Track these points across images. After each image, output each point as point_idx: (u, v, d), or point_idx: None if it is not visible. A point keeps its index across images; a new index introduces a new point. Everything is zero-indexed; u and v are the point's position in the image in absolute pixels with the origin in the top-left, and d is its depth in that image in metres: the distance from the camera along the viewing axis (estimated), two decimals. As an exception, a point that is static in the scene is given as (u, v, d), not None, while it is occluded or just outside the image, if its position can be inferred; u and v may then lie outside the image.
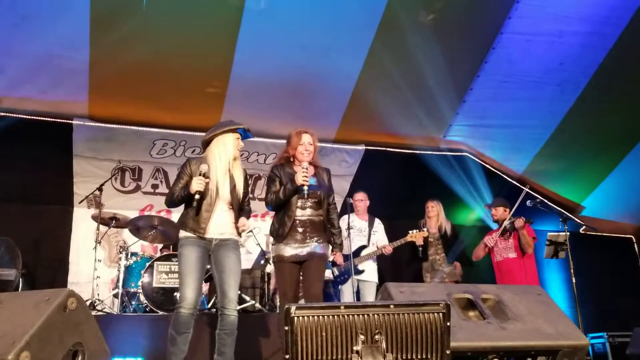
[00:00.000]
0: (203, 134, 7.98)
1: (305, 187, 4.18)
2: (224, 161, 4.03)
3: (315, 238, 4.28)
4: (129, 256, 6.26)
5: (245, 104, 7.38)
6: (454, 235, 6.80)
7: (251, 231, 7.16)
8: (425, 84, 7.26)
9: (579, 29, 6.69)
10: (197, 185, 3.86)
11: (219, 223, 4.02)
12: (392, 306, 2.18)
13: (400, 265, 7.74)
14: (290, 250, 4.23)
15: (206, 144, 4.13)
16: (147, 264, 6.04)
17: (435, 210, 6.81)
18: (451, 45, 6.83)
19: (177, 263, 5.14)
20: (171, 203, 4.07)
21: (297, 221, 4.26)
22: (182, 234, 4.00)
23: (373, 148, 8.39)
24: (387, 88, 7.22)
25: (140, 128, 7.56)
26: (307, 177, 4.20)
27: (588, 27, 6.68)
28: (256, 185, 8.32)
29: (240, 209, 4.15)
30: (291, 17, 6.36)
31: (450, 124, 8.08)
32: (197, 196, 3.88)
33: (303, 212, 4.30)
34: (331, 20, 6.41)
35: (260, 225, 7.95)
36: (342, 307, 2.16)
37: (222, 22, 6.36)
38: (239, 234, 4.13)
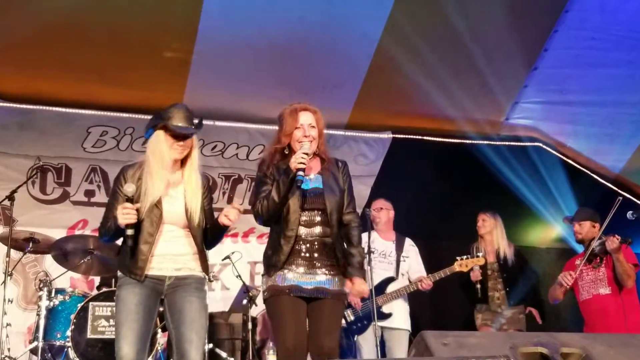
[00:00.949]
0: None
1: (302, 174, 4.05)
2: (159, 170, 4.01)
3: (327, 268, 4.18)
4: (52, 294, 6.23)
5: (219, 75, 7.40)
6: (520, 263, 6.80)
7: (228, 257, 7.14)
8: (479, 43, 7.27)
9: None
10: (123, 217, 3.84)
11: (170, 254, 4.04)
12: (430, 365, 2.15)
13: (443, 307, 7.75)
14: (290, 277, 4.18)
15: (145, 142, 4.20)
16: (80, 306, 6.03)
17: (488, 226, 6.84)
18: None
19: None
20: (103, 237, 4.12)
21: (300, 243, 4.20)
22: (119, 274, 4.07)
23: (403, 137, 8.38)
24: (423, 50, 7.21)
25: (68, 110, 7.55)
26: (305, 159, 4.07)
27: None
28: (235, 192, 8.32)
29: (205, 230, 4.16)
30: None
31: (515, 100, 8.08)
32: (128, 232, 3.88)
33: (309, 230, 4.18)
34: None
35: (242, 248, 7.94)
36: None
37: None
38: (206, 272, 4.15)
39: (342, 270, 4.22)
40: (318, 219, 4.20)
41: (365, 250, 5.82)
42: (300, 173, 4.03)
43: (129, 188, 3.92)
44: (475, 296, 6.65)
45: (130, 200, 3.90)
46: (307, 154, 4.08)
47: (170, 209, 4.04)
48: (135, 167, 4.10)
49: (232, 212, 4.06)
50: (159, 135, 4.04)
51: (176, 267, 4.04)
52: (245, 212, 8.08)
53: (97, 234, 6.87)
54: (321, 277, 4.16)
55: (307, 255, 4.16)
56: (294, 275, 4.15)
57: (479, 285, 6.55)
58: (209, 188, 4.29)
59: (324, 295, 4.13)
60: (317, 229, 4.19)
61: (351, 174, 4.47)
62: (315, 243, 4.18)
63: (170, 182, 4.07)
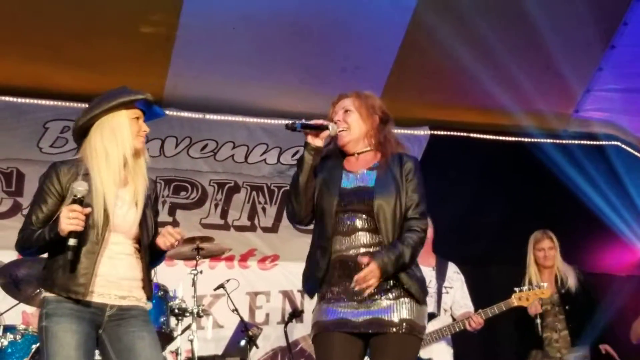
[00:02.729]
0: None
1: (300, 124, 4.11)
2: (115, 162, 4.01)
3: (384, 292, 4.04)
4: (0, 333, 6.21)
5: (210, 55, 7.44)
6: (588, 295, 6.78)
7: (222, 286, 7.13)
8: (543, 15, 7.26)
9: None
10: (67, 223, 3.77)
11: (118, 277, 4.00)
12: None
13: (496, 351, 7.72)
14: (334, 311, 4.13)
15: (81, 133, 4.10)
16: (34, 347, 5.97)
17: (552, 254, 6.80)
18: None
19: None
20: (27, 249, 4.01)
21: (341, 257, 4.16)
22: (49, 294, 3.94)
23: (444, 133, 8.42)
24: (471, 22, 7.20)
25: (19, 100, 7.59)
26: (320, 129, 4.13)
27: None
28: (231, 204, 8.37)
29: (151, 244, 4.16)
30: None
31: (587, 88, 8.09)
32: (71, 242, 3.79)
33: (352, 239, 4.19)
34: None
35: (239, 275, 7.93)
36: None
37: None
38: (149, 296, 4.11)
39: (409, 293, 4.05)
40: (363, 225, 4.13)
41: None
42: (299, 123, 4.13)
43: (80, 187, 3.84)
44: (534, 336, 6.61)
45: (78, 202, 3.83)
46: (323, 128, 4.13)
47: (119, 214, 4.01)
48: (70, 164, 4.04)
49: (170, 238, 4.09)
50: (116, 118, 4.04)
51: (121, 294, 3.99)
52: (242, 229, 8.23)
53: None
54: (377, 305, 4.04)
55: (352, 275, 4.01)
56: (340, 305, 4.09)
57: (539, 320, 6.51)
58: (157, 194, 4.31)
59: (384, 328, 4.00)
60: (365, 237, 4.11)
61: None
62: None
63: (119, 181, 4.04)
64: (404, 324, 3.96)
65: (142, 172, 4.15)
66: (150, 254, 4.17)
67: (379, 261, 3.90)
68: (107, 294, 3.96)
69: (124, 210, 4.02)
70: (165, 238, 4.08)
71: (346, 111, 4.23)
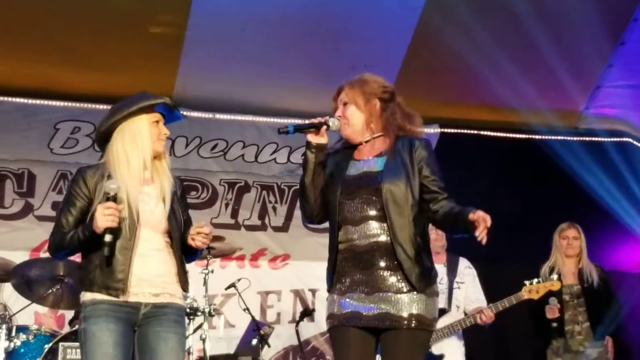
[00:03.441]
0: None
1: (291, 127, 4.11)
2: (137, 165, 4.09)
3: (394, 286, 4.02)
4: (13, 333, 6.19)
5: (219, 56, 7.46)
6: (606, 290, 6.79)
7: (233, 286, 7.15)
8: (551, 12, 7.29)
9: None
10: (104, 219, 3.86)
11: (148, 275, 4.06)
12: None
13: (508, 345, 7.74)
14: (345, 303, 4.10)
15: (104, 138, 4.17)
16: (47, 347, 6.01)
17: (576, 244, 6.82)
18: None
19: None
20: (61, 250, 4.10)
21: (351, 248, 4.13)
22: (87, 296, 4.01)
23: (454, 131, 8.43)
24: (479, 21, 7.20)
25: (31, 101, 7.61)
26: (318, 127, 4.09)
27: None
28: (241, 203, 8.38)
29: (184, 240, 4.21)
30: None
31: (597, 84, 8.09)
32: (107, 237, 3.89)
33: (362, 228, 4.15)
34: None
35: (250, 275, 7.92)
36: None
37: None
38: (184, 288, 4.18)
39: (420, 286, 3.92)
40: (372, 212, 4.04)
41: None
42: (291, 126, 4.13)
43: (112, 184, 3.94)
44: (554, 333, 6.65)
45: (112, 199, 3.92)
46: (326, 123, 4.12)
47: (147, 210, 4.08)
48: (95, 168, 4.13)
49: (200, 236, 4.13)
50: (137, 123, 4.11)
51: (154, 291, 4.05)
52: (253, 228, 8.25)
53: (67, 259, 6.96)
54: (387, 299, 3.94)
55: (361, 266, 4.01)
56: (352, 297, 4.02)
57: (555, 324, 6.52)
58: (183, 189, 4.35)
59: (394, 324, 3.91)
60: (373, 226, 4.04)
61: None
62: (371, 249, 3.99)
63: (143, 181, 4.13)
64: (413, 319, 3.85)
65: (165, 171, 4.22)
66: (185, 249, 4.23)
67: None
68: (140, 293, 4.02)
69: (151, 205, 4.10)
70: (196, 239, 4.13)
71: (344, 104, 4.18)
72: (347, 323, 3.98)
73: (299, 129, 4.12)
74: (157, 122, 4.17)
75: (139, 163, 4.08)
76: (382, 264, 3.93)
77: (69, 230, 4.01)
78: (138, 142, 4.09)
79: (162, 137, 4.17)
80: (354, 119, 4.15)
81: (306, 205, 4.23)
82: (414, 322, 3.86)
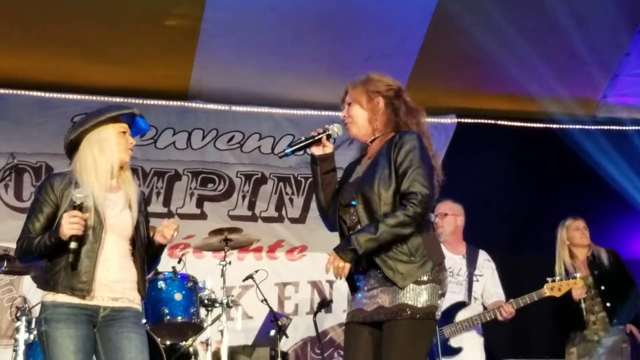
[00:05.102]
0: (160, 102, 8.04)
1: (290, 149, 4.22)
2: (103, 173, 4.20)
3: (382, 281, 4.07)
4: (32, 325, 6.26)
5: (235, 48, 7.48)
6: (623, 274, 6.81)
7: (251, 277, 7.19)
8: (567, 3, 7.26)
9: None
10: (69, 227, 3.98)
11: (109, 280, 4.17)
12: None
13: (528, 339, 7.75)
14: (355, 299, 4.22)
15: (72, 147, 4.30)
16: (65, 339, 6.08)
17: (587, 233, 6.84)
18: None
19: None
20: (28, 255, 4.19)
21: None
22: (49, 297, 4.13)
23: (472, 121, 8.45)
24: (497, 9, 7.20)
25: (47, 94, 7.68)
26: (321, 137, 4.20)
27: None
28: (258, 195, 8.41)
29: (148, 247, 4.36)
30: None
31: (615, 73, 8.07)
32: (72, 245, 4.01)
33: (353, 231, 4.22)
34: None
35: (268, 266, 7.95)
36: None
37: None
38: (142, 295, 4.30)
39: (404, 279, 3.99)
40: (355, 218, 4.15)
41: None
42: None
43: (79, 194, 4.06)
44: (576, 324, 6.67)
45: (78, 208, 4.04)
46: (326, 132, 4.21)
47: (113, 215, 4.20)
48: (62, 176, 4.26)
49: (169, 229, 4.28)
50: (104, 132, 4.24)
51: (113, 295, 4.17)
52: (270, 220, 8.27)
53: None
54: (381, 293, 4.05)
55: (361, 267, 4.12)
56: (360, 294, 4.17)
57: (583, 305, 6.54)
58: (144, 198, 4.49)
59: (388, 316, 4.01)
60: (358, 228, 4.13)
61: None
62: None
63: (109, 188, 4.25)
64: (407, 310, 3.95)
65: (130, 180, 4.36)
66: (149, 255, 4.38)
67: (340, 250, 3.97)
68: (100, 296, 4.13)
69: (116, 211, 4.22)
70: (163, 231, 4.28)
71: (349, 104, 4.26)
72: (353, 319, 4.15)
73: (298, 147, 4.21)
74: (124, 132, 4.30)
75: (106, 170, 4.21)
76: (371, 263, 4.04)
77: (36, 236, 4.12)
78: (106, 150, 4.22)
79: (129, 146, 4.29)
80: (358, 118, 4.23)
81: (323, 218, 4.39)
82: (404, 312, 3.95)
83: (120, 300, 4.17)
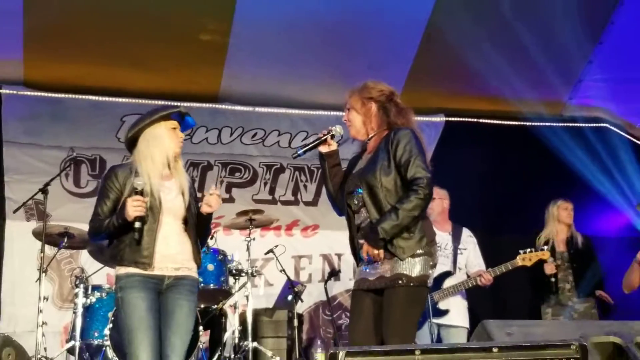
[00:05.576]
0: (195, 104, 8.01)
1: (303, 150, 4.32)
2: (159, 163, 4.28)
3: (387, 254, 4.09)
4: (89, 292, 6.32)
5: (258, 58, 7.46)
6: (589, 254, 6.80)
7: (272, 251, 7.21)
8: (539, 16, 7.23)
9: None
10: (133, 210, 4.07)
11: (169, 253, 4.25)
12: (495, 350, 2.16)
13: (505, 303, 7.74)
14: (361, 271, 4.27)
15: (131, 143, 4.37)
16: (117, 303, 6.10)
17: (565, 216, 6.84)
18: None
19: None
20: (99, 234, 4.29)
21: (358, 229, 4.28)
22: (120, 270, 4.21)
23: (457, 119, 8.40)
24: (480, 25, 7.18)
25: (102, 98, 7.70)
26: (326, 136, 4.29)
27: None
28: (277, 182, 8.40)
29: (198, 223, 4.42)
30: None
31: (579, 78, 8.03)
32: (136, 224, 4.11)
33: (359, 215, 4.24)
34: None
35: (285, 242, 7.96)
36: (417, 353, 2.15)
37: None
38: (198, 264, 4.36)
39: (402, 253, 4.06)
40: (358, 202, 4.21)
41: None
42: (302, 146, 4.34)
43: (139, 181, 4.16)
44: (547, 291, 6.68)
45: (139, 193, 4.13)
46: (330, 133, 4.29)
47: (168, 199, 4.28)
48: (124, 167, 4.36)
49: (212, 198, 4.36)
50: (157, 129, 4.32)
51: (175, 266, 4.27)
52: (287, 203, 8.29)
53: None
54: (383, 265, 4.10)
55: (362, 242, 4.17)
56: (365, 266, 4.21)
57: (553, 279, 6.57)
58: (195, 187, 4.59)
59: (388, 283, 4.06)
60: (363, 213, 4.20)
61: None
62: (367, 230, 4.13)
63: (164, 176, 4.34)
64: (404, 278, 4.02)
65: (181, 170, 4.43)
66: (199, 225, 4.42)
67: (371, 241, 4.02)
68: (164, 267, 4.23)
69: (172, 196, 4.30)
70: (209, 201, 4.36)
71: (348, 110, 4.33)
72: (359, 286, 4.21)
73: (308, 148, 4.31)
74: (175, 128, 4.36)
75: (161, 160, 4.29)
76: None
77: (104, 218, 4.21)
78: (160, 143, 4.30)
79: (179, 140, 4.36)
80: (355, 122, 4.33)
81: (332, 204, 4.47)
82: (401, 281, 4.02)
83: (181, 270, 4.26)
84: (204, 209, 4.38)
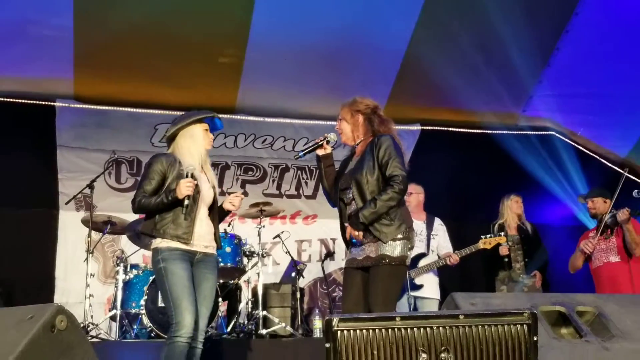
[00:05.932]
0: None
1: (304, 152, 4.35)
2: (196, 157, 4.28)
3: (368, 238, 4.16)
4: (128, 269, 6.33)
5: (267, 77, 7.46)
6: (536, 238, 6.81)
7: (278, 236, 7.21)
8: (498, 44, 7.22)
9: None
10: (186, 189, 4.06)
11: (203, 233, 4.24)
12: (462, 317, 2.17)
13: (469, 279, 7.73)
14: (350, 252, 4.31)
15: (171, 138, 4.37)
16: (151, 279, 6.09)
17: (516, 207, 6.83)
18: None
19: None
20: (145, 209, 4.21)
21: (347, 219, 4.30)
22: (162, 243, 4.13)
23: (431, 128, 8.37)
24: (448, 51, 7.20)
25: (138, 110, 7.72)
26: (321, 144, 4.35)
27: None
28: (283, 179, 8.39)
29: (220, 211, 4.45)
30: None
31: (531, 95, 8.02)
32: (186, 201, 4.09)
33: (350, 207, 4.28)
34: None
35: (290, 228, 8.00)
36: (397, 319, 2.16)
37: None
38: (218, 246, 4.37)
39: (384, 237, 4.09)
40: (350, 196, 4.23)
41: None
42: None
43: (191, 166, 4.16)
44: (502, 268, 6.65)
45: (191, 176, 4.12)
46: (326, 139, 4.36)
47: (204, 189, 4.27)
48: (169, 156, 4.28)
49: (237, 199, 4.39)
50: (194, 129, 4.33)
51: (205, 244, 4.26)
52: (291, 196, 8.29)
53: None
54: (368, 247, 4.14)
55: (347, 225, 4.23)
56: (354, 248, 4.24)
57: (506, 259, 6.57)
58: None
59: (373, 262, 4.10)
60: (353, 205, 4.22)
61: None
62: (354, 216, 4.15)
63: (199, 169, 4.32)
64: (386, 258, 4.06)
65: (209, 167, 4.44)
66: (219, 219, 4.45)
67: (353, 224, 4.09)
68: (198, 244, 4.21)
69: (205, 187, 4.29)
70: (228, 203, 4.40)
71: (340, 120, 4.38)
72: (349, 265, 4.24)
73: (307, 151, 4.35)
74: (206, 130, 4.37)
75: (198, 155, 4.28)
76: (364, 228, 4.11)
77: (149, 196, 4.15)
78: (196, 141, 4.30)
79: (210, 140, 4.38)
80: (345, 129, 4.39)
81: (326, 195, 4.50)
82: (383, 261, 4.06)
83: (208, 248, 4.26)
84: (227, 206, 4.39)
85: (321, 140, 4.35)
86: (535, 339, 2.18)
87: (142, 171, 4.42)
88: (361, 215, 4.04)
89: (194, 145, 4.29)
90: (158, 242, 4.15)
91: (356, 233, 4.11)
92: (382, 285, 4.05)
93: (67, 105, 7.48)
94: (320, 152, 4.37)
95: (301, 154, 4.36)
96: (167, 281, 4.06)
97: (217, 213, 4.40)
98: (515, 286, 6.58)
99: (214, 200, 4.35)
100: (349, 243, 4.28)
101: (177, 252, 4.11)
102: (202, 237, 4.23)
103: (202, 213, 4.25)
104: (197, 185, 4.15)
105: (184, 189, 4.04)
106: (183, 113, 4.47)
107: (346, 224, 4.22)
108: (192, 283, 4.11)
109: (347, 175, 4.28)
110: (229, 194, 6.51)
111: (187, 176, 4.10)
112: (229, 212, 4.48)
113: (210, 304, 4.25)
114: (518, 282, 6.58)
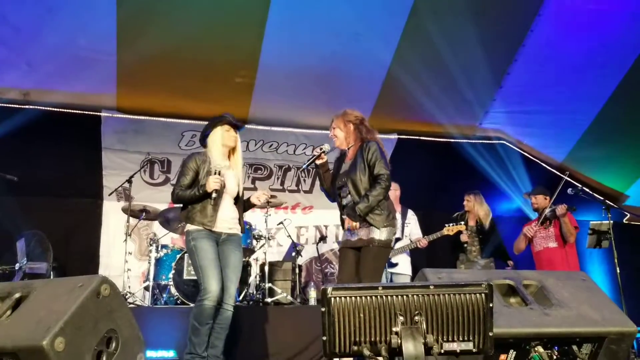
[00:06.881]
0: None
1: (318, 160, 4.33)
2: (220, 152, 4.27)
3: (361, 224, 4.19)
4: (159, 249, 6.33)
5: (274, 94, 7.45)
6: (491, 228, 6.78)
7: (282, 223, 7.20)
8: (461, 70, 7.22)
9: (621, 9, 6.54)
10: (214, 184, 4.06)
11: (226, 218, 4.23)
12: (432, 287, 2.17)
13: (435, 259, 7.73)
14: (345, 234, 4.34)
15: (203, 138, 4.38)
16: (178, 257, 6.11)
17: (471, 203, 6.82)
18: (487, 29, 6.76)
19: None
20: (182, 200, 4.22)
21: (344, 209, 4.35)
22: (192, 227, 4.16)
23: (406, 137, 8.37)
24: (421, 75, 7.18)
25: (168, 120, 7.70)
26: (318, 153, 4.33)
27: (631, 7, 6.52)
28: (286, 177, 8.38)
29: (245, 202, 4.43)
30: (320, 3, 6.38)
31: (486, 110, 8.02)
32: (214, 195, 4.09)
33: (345, 200, 4.34)
34: (362, 5, 6.41)
35: (291, 217, 8.00)
36: (380, 288, 2.16)
37: (249, 10, 6.42)
38: (242, 230, 4.33)
39: (375, 223, 4.13)
40: (347, 191, 4.26)
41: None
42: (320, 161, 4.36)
43: (218, 165, 4.16)
44: (461, 252, 6.63)
45: (218, 173, 4.13)
46: (322, 150, 4.35)
47: (229, 184, 4.25)
48: (201, 155, 4.30)
49: (263, 197, 4.39)
50: (218, 131, 4.30)
51: (229, 227, 4.24)
52: (292, 191, 8.28)
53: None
54: (361, 231, 4.17)
55: (345, 217, 4.26)
56: (348, 232, 4.26)
57: (466, 244, 6.54)
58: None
59: (363, 244, 4.14)
60: (349, 198, 4.25)
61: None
62: (352, 209, 4.20)
63: (224, 165, 4.30)
64: (375, 241, 4.11)
65: (237, 161, 4.39)
66: (244, 207, 4.42)
67: (351, 216, 4.12)
68: (222, 227, 4.21)
69: (230, 181, 4.26)
70: (255, 198, 4.40)
71: (334, 128, 4.40)
72: (344, 245, 4.27)
73: (309, 163, 4.36)
74: (228, 130, 4.31)
75: (220, 150, 4.28)
76: (355, 215, 4.14)
77: (185, 189, 4.15)
78: (217, 139, 4.29)
79: (232, 137, 4.31)
80: (339, 136, 4.43)
81: (325, 192, 4.52)
82: (372, 243, 4.11)
83: (232, 229, 4.24)
84: (254, 200, 4.39)
85: (319, 153, 4.36)
86: (490, 305, 2.18)
87: (179, 168, 4.40)
88: (358, 209, 4.08)
89: (214, 145, 4.28)
90: (189, 227, 4.18)
91: (354, 224, 4.13)
92: (371, 262, 4.09)
93: (110, 115, 7.46)
94: (318, 161, 4.38)
95: (304, 166, 4.41)
96: (196, 255, 4.07)
97: (242, 204, 4.37)
98: (472, 267, 6.56)
99: (238, 194, 4.32)
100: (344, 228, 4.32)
101: (203, 232, 4.12)
102: (226, 222, 4.21)
103: (227, 202, 4.24)
104: (222, 181, 4.14)
105: (212, 184, 4.05)
106: (212, 118, 4.44)
107: (344, 217, 4.24)
108: (218, 257, 4.11)
109: (342, 175, 4.32)
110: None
111: (215, 173, 4.09)
112: (254, 205, 4.46)
113: (239, 273, 4.23)
114: (474, 263, 6.58)
